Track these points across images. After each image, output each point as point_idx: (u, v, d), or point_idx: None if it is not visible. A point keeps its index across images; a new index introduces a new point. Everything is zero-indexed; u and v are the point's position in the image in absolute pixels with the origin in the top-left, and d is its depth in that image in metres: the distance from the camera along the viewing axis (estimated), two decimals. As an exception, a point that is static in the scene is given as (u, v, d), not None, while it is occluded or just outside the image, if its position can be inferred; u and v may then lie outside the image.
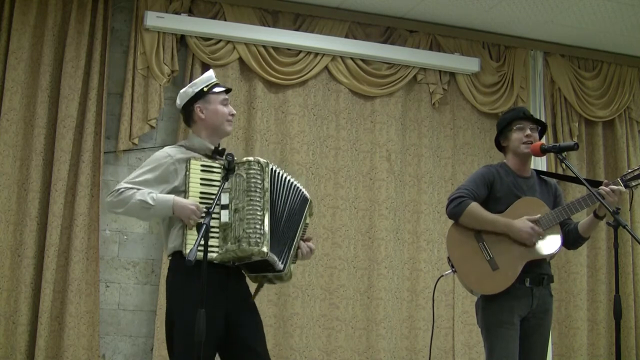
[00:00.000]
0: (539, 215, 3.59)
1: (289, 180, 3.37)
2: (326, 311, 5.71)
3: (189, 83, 3.55)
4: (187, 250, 3.04)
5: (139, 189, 3.18)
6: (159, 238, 5.44)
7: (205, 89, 3.38)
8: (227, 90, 3.47)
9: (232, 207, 3.13)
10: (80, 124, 5.32)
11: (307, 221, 3.45)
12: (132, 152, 5.52)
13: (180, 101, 3.43)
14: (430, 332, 5.65)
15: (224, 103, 3.41)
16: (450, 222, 3.73)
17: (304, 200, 3.41)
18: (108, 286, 5.38)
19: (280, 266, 3.23)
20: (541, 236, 3.56)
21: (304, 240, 3.42)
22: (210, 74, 3.47)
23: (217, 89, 3.41)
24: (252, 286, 3.40)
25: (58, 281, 5.14)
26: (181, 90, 3.46)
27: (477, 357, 5.91)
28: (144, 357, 5.37)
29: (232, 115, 3.43)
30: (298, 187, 3.40)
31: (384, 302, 5.80)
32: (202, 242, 2.88)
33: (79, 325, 5.11)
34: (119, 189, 3.20)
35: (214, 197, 3.15)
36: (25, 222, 5.12)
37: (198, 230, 2.88)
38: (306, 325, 5.62)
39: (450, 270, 3.70)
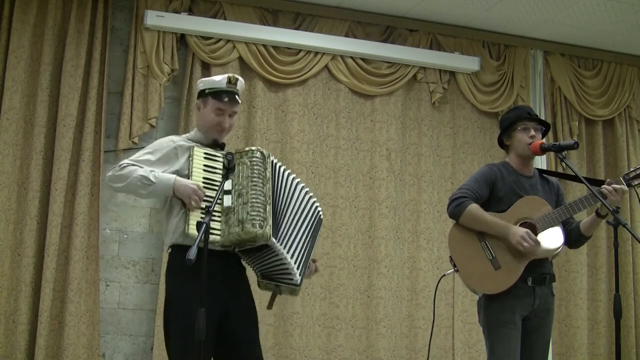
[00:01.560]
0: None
1: (292, 177, 3.37)
2: (326, 310, 5.71)
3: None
4: (190, 231, 3.05)
5: (141, 167, 3.19)
6: (159, 237, 5.44)
7: (207, 91, 3.36)
8: (232, 100, 3.34)
9: (235, 192, 3.13)
10: (81, 123, 5.32)
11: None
12: (132, 151, 5.48)
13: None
14: (430, 331, 5.65)
15: (218, 113, 3.32)
16: (451, 221, 3.73)
17: (320, 221, 3.44)
18: (108, 285, 5.38)
19: (298, 279, 3.24)
20: (535, 244, 3.52)
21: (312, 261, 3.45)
22: (222, 79, 3.36)
23: (220, 97, 3.30)
24: (255, 285, 3.39)
25: (58, 280, 5.14)
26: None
27: (477, 356, 5.91)
28: (144, 356, 5.37)
29: (222, 126, 3.32)
30: (309, 196, 3.40)
31: (384, 301, 5.80)
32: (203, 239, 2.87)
33: (79, 324, 5.11)
34: (121, 164, 3.21)
35: (216, 184, 3.15)
36: (25, 221, 5.12)
37: (198, 230, 2.86)
38: (306, 324, 5.62)
39: (452, 270, 3.70)
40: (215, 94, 3.33)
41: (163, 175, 3.18)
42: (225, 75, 3.37)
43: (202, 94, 3.37)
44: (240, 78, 3.41)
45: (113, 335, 5.34)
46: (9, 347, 4.99)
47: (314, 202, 3.42)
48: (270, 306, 3.39)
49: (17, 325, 5.00)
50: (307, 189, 3.42)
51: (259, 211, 3.10)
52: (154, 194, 3.23)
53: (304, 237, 3.31)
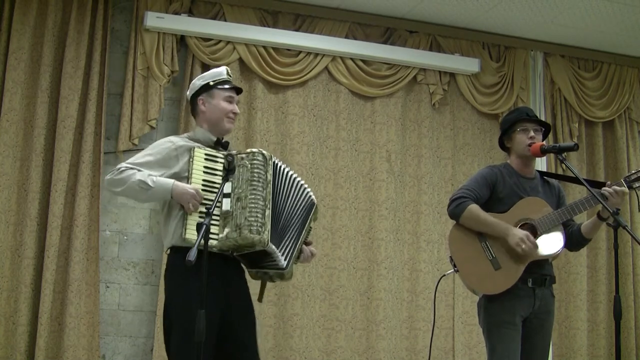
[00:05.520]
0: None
1: (293, 177, 3.38)
2: (326, 312, 5.71)
3: (190, 83, 3.56)
4: (187, 235, 3.05)
5: (139, 170, 3.17)
6: (159, 238, 5.44)
7: (211, 83, 3.40)
8: (238, 90, 3.47)
9: (234, 196, 3.12)
10: (80, 124, 5.32)
11: (311, 225, 3.44)
12: (132, 152, 5.47)
13: (189, 92, 3.47)
14: (430, 333, 5.65)
15: (228, 100, 3.39)
16: (451, 222, 3.73)
17: (311, 204, 3.43)
18: (108, 287, 5.38)
19: (283, 263, 3.22)
20: (534, 246, 3.52)
21: (306, 244, 3.43)
22: (221, 69, 3.47)
23: (225, 85, 3.41)
24: (252, 283, 3.39)
25: (58, 282, 5.14)
26: (192, 81, 3.50)
27: (478, 358, 5.91)
28: (143, 358, 5.37)
29: (234, 113, 3.41)
30: (304, 188, 3.42)
31: (384, 303, 5.79)
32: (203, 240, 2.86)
33: (79, 325, 5.11)
34: (119, 168, 3.19)
35: (216, 186, 3.14)
36: (25, 222, 5.12)
37: (198, 231, 2.86)
38: (306, 326, 5.62)
39: (452, 270, 3.69)
40: (221, 84, 3.40)
41: (161, 179, 3.16)
42: (223, 67, 3.48)
43: (207, 87, 3.40)
44: None
45: (113, 337, 5.34)
46: (9, 349, 4.99)
47: (305, 190, 3.41)
48: (260, 298, 3.39)
49: (17, 327, 5.00)
50: (305, 185, 3.43)
51: (257, 217, 3.08)
52: (153, 198, 3.23)
53: (295, 228, 3.32)
